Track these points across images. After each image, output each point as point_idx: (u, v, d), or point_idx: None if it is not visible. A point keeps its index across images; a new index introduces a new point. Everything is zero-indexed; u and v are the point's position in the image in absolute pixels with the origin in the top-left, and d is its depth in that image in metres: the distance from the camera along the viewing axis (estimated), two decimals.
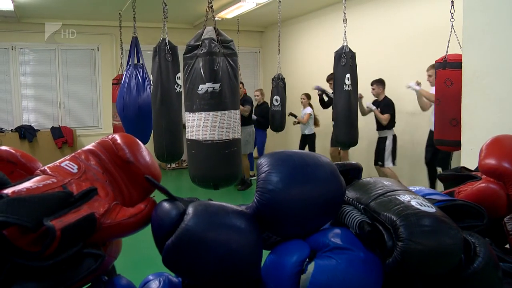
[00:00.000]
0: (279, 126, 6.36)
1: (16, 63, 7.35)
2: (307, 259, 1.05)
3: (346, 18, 4.30)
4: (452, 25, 3.49)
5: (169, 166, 7.94)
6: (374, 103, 5.22)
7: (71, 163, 1.10)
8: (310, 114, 6.26)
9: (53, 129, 7.44)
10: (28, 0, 5.98)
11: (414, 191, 1.19)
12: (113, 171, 1.16)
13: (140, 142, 1.23)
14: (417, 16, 5.26)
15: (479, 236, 1.11)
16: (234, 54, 2.68)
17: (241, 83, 5.60)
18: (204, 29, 2.64)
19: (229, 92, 2.61)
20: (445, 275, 1.06)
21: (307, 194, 1.07)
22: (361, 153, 5.93)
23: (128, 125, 4.70)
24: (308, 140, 6.39)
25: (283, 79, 6.25)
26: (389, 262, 1.00)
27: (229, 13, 6.74)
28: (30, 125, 7.38)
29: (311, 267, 1.03)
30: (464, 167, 1.58)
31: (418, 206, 1.03)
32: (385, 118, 5.06)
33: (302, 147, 6.47)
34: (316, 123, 6.35)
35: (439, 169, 4.68)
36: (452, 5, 3.46)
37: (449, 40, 3.49)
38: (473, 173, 1.48)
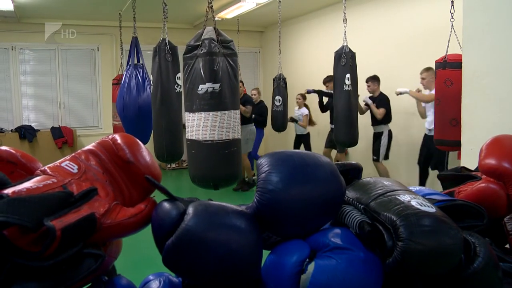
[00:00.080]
0: (281, 126, 6.36)
1: (16, 63, 7.35)
2: (307, 259, 1.05)
3: (346, 18, 4.30)
4: (452, 25, 3.49)
5: (169, 166, 7.94)
6: (370, 99, 5.27)
7: (71, 163, 1.11)
8: (307, 116, 6.29)
9: (53, 129, 7.43)
10: (28, 0, 5.98)
11: (414, 191, 1.19)
12: (113, 171, 1.16)
13: (140, 142, 1.23)
14: (417, 16, 5.27)
15: (479, 236, 1.11)
16: (234, 54, 2.68)
17: (241, 81, 5.59)
18: (204, 29, 2.64)
19: (229, 92, 2.61)
20: (445, 275, 1.06)
21: (307, 194, 1.07)
22: (359, 153, 5.94)
23: (128, 125, 4.70)
24: (302, 140, 6.41)
25: (284, 79, 6.24)
26: (389, 262, 1.00)
27: (229, 13, 6.74)
28: (30, 125, 7.38)
29: (311, 267, 1.03)
30: (464, 167, 1.58)
31: (418, 206, 1.03)
32: (380, 112, 5.12)
33: (297, 147, 6.49)
34: (310, 122, 6.37)
35: (435, 172, 4.69)
36: (452, 5, 3.46)
37: (449, 40, 3.50)
38: (473, 173, 1.48)
